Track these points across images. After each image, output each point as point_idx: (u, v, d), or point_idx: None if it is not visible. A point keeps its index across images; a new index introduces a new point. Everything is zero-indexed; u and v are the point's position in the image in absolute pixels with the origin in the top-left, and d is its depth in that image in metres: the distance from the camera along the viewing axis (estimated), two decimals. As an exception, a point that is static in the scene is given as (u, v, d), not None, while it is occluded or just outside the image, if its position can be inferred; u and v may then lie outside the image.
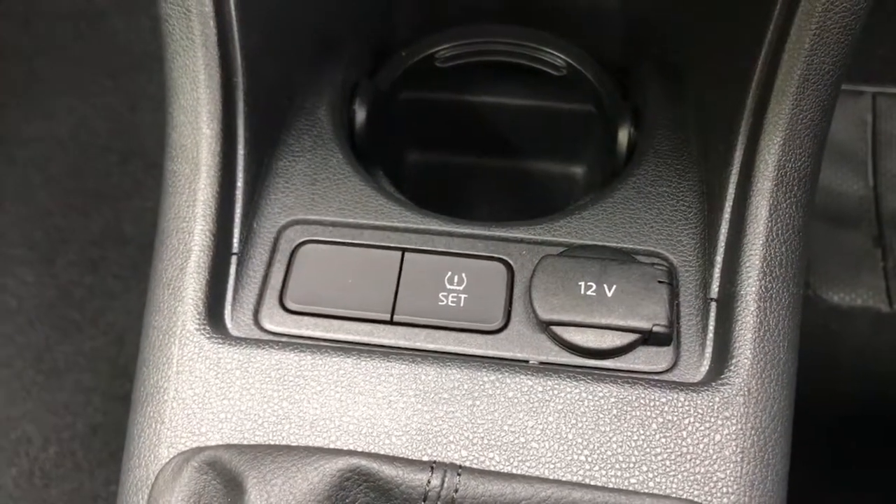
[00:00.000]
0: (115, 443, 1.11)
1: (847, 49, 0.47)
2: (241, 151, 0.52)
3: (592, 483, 0.43)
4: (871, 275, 0.91)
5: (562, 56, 0.63)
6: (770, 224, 0.48)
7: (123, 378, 1.14)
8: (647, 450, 0.44)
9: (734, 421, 0.44)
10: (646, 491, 0.43)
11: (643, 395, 0.45)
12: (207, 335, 0.47)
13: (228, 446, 0.43)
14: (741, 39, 0.50)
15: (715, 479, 0.43)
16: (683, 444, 0.44)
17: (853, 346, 0.92)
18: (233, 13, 0.51)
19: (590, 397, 0.45)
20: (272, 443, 0.44)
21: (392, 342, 0.48)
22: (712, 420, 0.44)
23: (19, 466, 1.10)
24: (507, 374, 0.46)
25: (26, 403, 1.14)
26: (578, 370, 0.47)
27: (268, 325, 0.49)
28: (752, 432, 0.44)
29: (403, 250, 0.51)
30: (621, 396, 0.45)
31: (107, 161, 1.33)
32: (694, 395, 0.45)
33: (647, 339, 0.48)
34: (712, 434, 0.44)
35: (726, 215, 0.50)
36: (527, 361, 0.48)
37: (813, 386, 0.66)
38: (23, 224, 1.28)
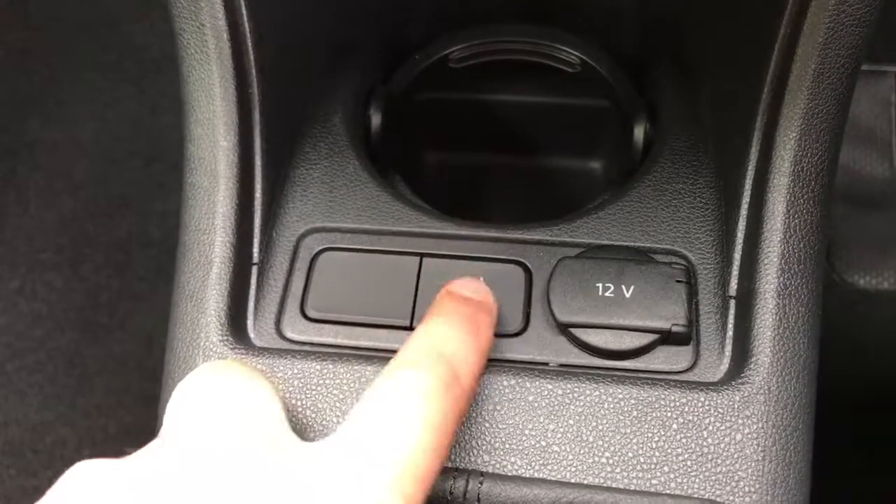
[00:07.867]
0: (148, 443, 1.12)
1: (862, 41, 0.47)
2: (258, 162, 0.53)
3: (614, 485, 0.43)
4: (896, 258, 0.90)
5: (575, 53, 0.63)
6: (787, 220, 0.48)
7: (153, 380, 1.15)
8: (668, 450, 0.44)
9: (755, 420, 0.44)
10: (668, 492, 0.43)
11: (663, 396, 0.45)
12: (231, 346, 0.48)
13: None
14: (755, 34, 0.50)
15: (737, 478, 0.43)
16: (704, 443, 0.44)
17: (879, 330, 0.91)
18: (246, 26, 0.51)
19: (610, 399, 0.45)
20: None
21: None
22: (733, 419, 0.44)
23: (55, 469, 1.12)
24: (526, 377, 0.46)
25: (59, 407, 1.17)
26: (598, 372, 0.47)
27: (289, 334, 0.50)
28: (774, 430, 0.44)
29: (421, 255, 0.51)
30: (641, 397, 0.45)
31: (130, 165, 1.35)
32: (714, 394, 0.45)
33: (667, 338, 0.48)
34: (733, 433, 0.44)
35: (743, 212, 0.50)
36: (546, 364, 0.48)
37: (839, 370, 0.65)
38: (49, 230, 1.30)
